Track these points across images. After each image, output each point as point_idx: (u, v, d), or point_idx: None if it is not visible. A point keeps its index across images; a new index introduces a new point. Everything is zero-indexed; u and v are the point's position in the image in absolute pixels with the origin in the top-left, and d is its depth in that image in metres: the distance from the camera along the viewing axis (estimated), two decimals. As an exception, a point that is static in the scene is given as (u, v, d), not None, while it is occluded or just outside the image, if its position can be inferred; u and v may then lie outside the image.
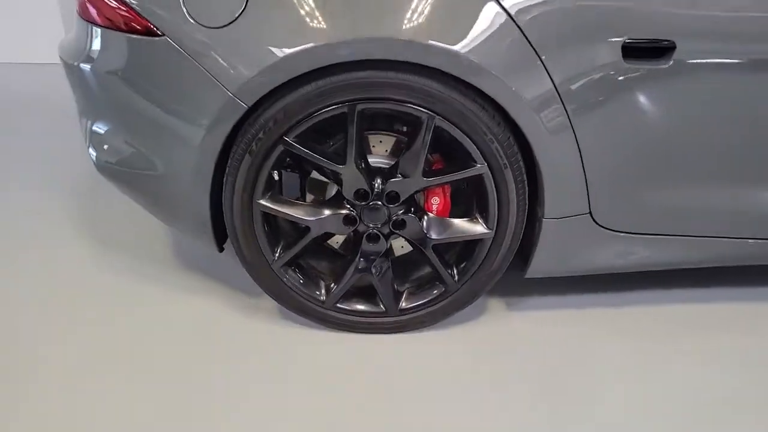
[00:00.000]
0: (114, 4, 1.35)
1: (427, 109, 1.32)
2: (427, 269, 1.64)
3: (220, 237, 1.58)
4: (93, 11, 1.40)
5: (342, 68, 1.28)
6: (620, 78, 1.31)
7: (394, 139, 1.49)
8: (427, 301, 1.58)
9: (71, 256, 1.95)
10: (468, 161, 1.40)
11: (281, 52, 1.25)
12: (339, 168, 1.40)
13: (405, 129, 1.50)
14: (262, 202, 1.44)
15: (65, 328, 1.62)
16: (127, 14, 1.34)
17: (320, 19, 1.25)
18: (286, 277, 1.55)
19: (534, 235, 1.52)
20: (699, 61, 1.31)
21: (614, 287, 1.78)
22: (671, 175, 1.44)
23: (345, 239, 1.63)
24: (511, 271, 1.58)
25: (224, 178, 1.42)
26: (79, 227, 2.12)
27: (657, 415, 1.37)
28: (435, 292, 1.57)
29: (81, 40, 1.48)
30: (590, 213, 1.48)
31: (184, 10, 1.29)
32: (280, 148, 1.37)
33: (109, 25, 1.38)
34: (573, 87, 1.30)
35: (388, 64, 1.28)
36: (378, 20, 1.24)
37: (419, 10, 1.24)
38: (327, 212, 1.47)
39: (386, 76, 1.29)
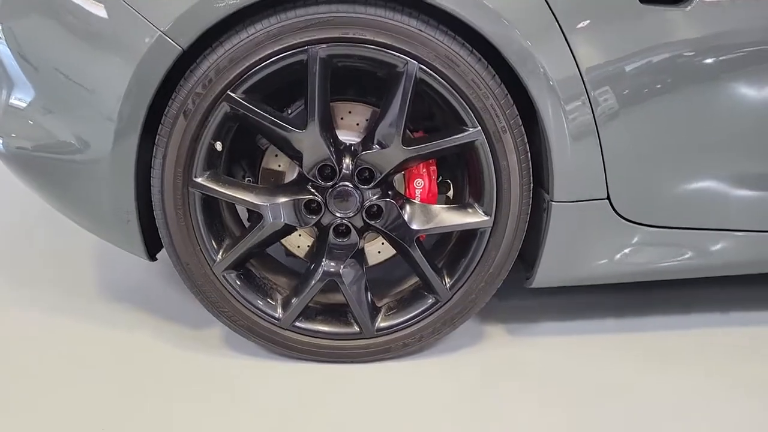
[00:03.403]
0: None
1: (406, 54, 1.07)
2: (410, 282, 1.32)
3: (152, 244, 1.25)
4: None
5: (300, 2, 1.04)
6: (638, 25, 1.09)
7: (366, 109, 1.23)
8: (413, 316, 1.25)
9: None
10: (457, 126, 1.13)
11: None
12: (298, 134, 1.11)
13: (379, 101, 1.24)
14: (201, 181, 1.14)
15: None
16: None
17: None
18: (230, 284, 1.21)
19: (540, 231, 1.22)
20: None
21: (624, 311, 1.47)
22: (708, 153, 1.18)
23: (309, 247, 1.32)
24: (512, 291, 1.27)
25: (153, 152, 1.13)
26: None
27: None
28: (423, 304, 1.25)
29: None
30: (609, 198, 1.20)
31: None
32: (224, 107, 1.09)
33: None
34: (585, 35, 1.07)
35: (357, -3, 1.04)
36: None
37: None
38: (285, 198, 1.17)
39: (354, 11, 1.05)
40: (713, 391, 1.20)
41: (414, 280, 1.31)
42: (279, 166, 1.26)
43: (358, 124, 1.23)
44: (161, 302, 1.50)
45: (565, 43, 1.07)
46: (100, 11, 1.07)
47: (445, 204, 1.28)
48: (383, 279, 1.35)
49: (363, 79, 1.21)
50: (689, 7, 1.09)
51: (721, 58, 1.12)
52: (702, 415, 1.14)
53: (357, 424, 1.10)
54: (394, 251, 1.29)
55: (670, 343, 1.36)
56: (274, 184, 1.23)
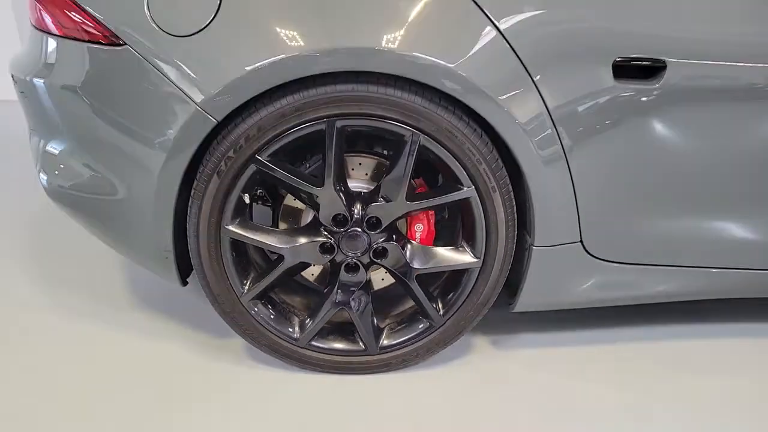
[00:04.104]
0: (72, 11, 1.25)
1: (412, 127, 1.24)
2: (409, 304, 1.52)
3: (184, 270, 1.44)
4: (48, 20, 1.29)
5: (320, 81, 1.19)
6: (611, 99, 1.26)
7: (374, 161, 1.40)
8: (411, 338, 1.45)
9: (14, 295, 1.77)
10: (454, 184, 1.31)
11: (251, 64, 1.15)
12: (316, 190, 1.29)
13: (386, 152, 1.41)
14: (231, 228, 1.31)
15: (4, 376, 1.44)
16: (86, 22, 1.23)
17: (293, 28, 1.16)
18: (255, 311, 1.40)
19: (522, 265, 1.42)
20: (690, 82, 1.27)
21: (604, 323, 1.69)
22: (667, 203, 1.38)
23: (320, 272, 1.51)
24: (498, 307, 1.48)
25: (189, 202, 1.30)
26: (24, 264, 1.93)
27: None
28: (419, 327, 1.45)
29: (35, 52, 1.36)
30: (581, 241, 1.40)
31: (148, 16, 1.20)
32: (252, 167, 1.26)
33: (67, 34, 1.27)
34: (565, 108, 1.24)
35: (370, 77, 1.20)
36: (356, 30, 1.17)
37: (402, 19, 1.17)
38: (303, 240, 1.35)
39: (367, 90, 1.20)
40: (695, 401, 1.42)
41: (411, 303, 1.51)
42: (298, 204, 1.43)
43: (366, 174, 1.40)
44: (186, 312, 1.69)
45: (552, 125, 1.24)
46: (152, 85, 1.21)
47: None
48: (385, 298, 1.55)
49: (370, 136, 1.38)
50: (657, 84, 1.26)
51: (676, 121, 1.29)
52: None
53: (356, 425, 1.33)
54: (393, 280, 1.49)
55: (654, 354, 1.58)
56: (293, 229, 1.40)
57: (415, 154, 1.26)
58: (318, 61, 1.16)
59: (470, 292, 1.41)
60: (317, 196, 1.30)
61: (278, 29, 1.16)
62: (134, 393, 1.40)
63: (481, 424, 1.35)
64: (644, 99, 1.26)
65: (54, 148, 1.38)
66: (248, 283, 1.39)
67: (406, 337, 1.46)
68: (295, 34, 1.16)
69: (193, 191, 1.28)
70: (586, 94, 1.25)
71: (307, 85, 1.20)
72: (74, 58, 1.27)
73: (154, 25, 1.19)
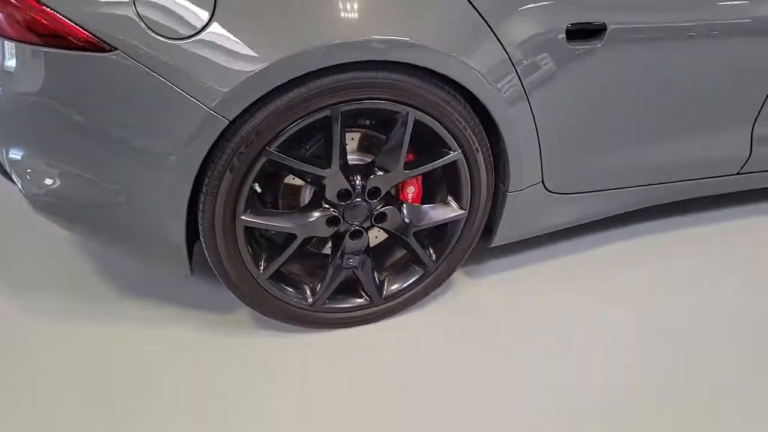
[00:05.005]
0: (35, 12, 1.16)
1: (407, 105, 1.35)
2: (399, 254, 1.70)
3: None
4: (13, 25, 1.19)
5: (323, 72, 1.26)
6: (565, 57, 1.45)
7: (360, 134, 1.50)
8: (409, 284, 1.64)
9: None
10: (441, 150, 1.47)
11: (265, 61, 1.19)
12: (325, 172, 1.38)
13: (368, 123, 1.51)
14: (245, 217, 1.38)
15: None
16: (55, 25, 1.16)
17: (305, 20, 1.21)
18: (271, 288, 1.51)
19: (497, 209, 1.64)
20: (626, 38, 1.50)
21: (552, 240, 1.99)
22: (610, 139, 1.65)
23: (323, 243, 1.62)
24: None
25: (201, 199, 1.33)
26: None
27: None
28: (415, 274, 1.64)
29: (8, 64, 1.25)
30: (543, 182, 1.64)
31: (139, 20, 1.16)
32: (263, 159, 1.31)
33: (28, 39, 1.19)
34: (528, 68, 1.42)
35: (368, 64, 1.28)
36: (361, 20, 1.24)
37: (395, 7, 1.26)
38: (310, 217, 1.45)
39: (368, 76, 1.29)
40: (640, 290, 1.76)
41: (401, 254, 1.69)
42: (297, 182, 1.51)
43: (356, 147, 1.50)
44: (178, 295, 1.73)
45: (524, 96, 1.42)
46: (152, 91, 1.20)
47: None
48: (378, 252, 1.70)
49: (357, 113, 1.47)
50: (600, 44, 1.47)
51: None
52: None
53: (378, 367, 1.52)
54: (386, 236, 1.65)
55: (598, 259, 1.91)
56: (300, 209, 1.49)
57: (410, 129, 1.38)
58: (333, 52, 1.21)
59: (458, 239, 1.61)
60: (324, 178, 1.39)
61: (287, 23, 1.19)
62: (163, 383, 1.47)
63: (480, 348, 1.61)
64: (592, 54, 1.48)
65: (40, 162, 1.32)
66: (262, 264, 1.48)
67: (405, 285, 1.64)
68: (311, 25, 1.20)
69: (205, 188, 1.32)
70: (545, 54, 1.43)
71: (311, 76, 1.25)
72: (51, 66, 1.20)
73: (147, 30, 1.16)
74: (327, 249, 1.62)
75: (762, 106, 1.78)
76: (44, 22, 1.17)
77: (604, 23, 1.46)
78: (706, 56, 1.62)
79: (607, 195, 1.78)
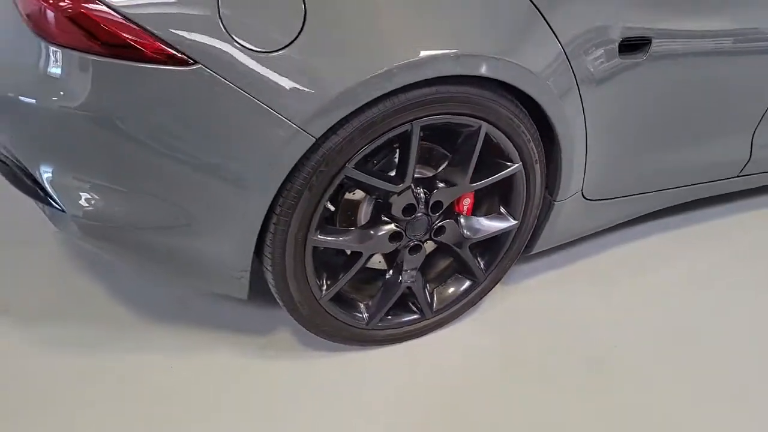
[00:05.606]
0: (118, 26, 1.05)
1: (480, 118, 1.34)
2: (442, 265, 1.68)
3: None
4: (77, 35, 1.06)
5: (410, 86, 1.22)
6: (616, 70, 1.50)
7: (425, 148, 1.47)
8: (459, 296, 1.63)
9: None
10: (502, 162, 1.47)
11: (360, 76, 1.13)
12: (398, 188, 1.34)
13: (422, 134, 1.48)
14: (316, 237, 1.31)
15: None
16: (139, 38, 1.05)
17: (405, 33, 1.17)
18: (331, 309, 1.45)
19: (542, 218, 1.67)
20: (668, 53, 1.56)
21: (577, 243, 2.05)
22: (638, 148, 1.72)
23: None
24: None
25: (274, 219, 1.25)
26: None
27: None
28: (464, 285, 1.64)
29: (52, 72, 1.11)
30: (582, 190, 1.68)
31: (225, 31, 1.07)
32: (341, 177, 1.26)
33: (107, 53, 1.07)
34: (586, 82, 1.45)
35: (448, 78, 1.25)
36: (457, 36, 1.21)
37: (483, 25, 1.25)
38: (379, 233, 1.40)
39: (447, 90, 1.26)
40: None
41: (444, 263, 1.67)
42: (356, 196, 1.45)
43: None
44: (210, 318, 1.63)
45: (579, 96, 1.45)
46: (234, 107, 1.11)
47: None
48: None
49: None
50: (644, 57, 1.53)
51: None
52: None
53: (437, 377, 1.51)
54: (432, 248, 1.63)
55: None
56: (365, 225, 1.43)
57: (480, 143, 1.37)
58: (429, 66, 1.18)
59: (507, 249, 1.62)
60: (396, 195, 1.35)
61: (382, 35, 1.15)
62: (221, 412, 1.38)
63: (520, 352, 1.62)
64: (636, 67, 1.53)
65: (96, 184, 1.19)
66: (323, 284, 1.42)
67: (454, 298, 1.63)
68: (406, 40, 1.16)
69: (279, 208, 1.24)
70: (602, 67, 1.47)
71: (396, 91, 1.21)
72: (124, 81, 1.09)
73: (234, 40, 1.07)
74: (375, 264, 1.57)
75: (762, 117, 1.93)
76: (114, 30, 1.05)
77: (650, 38, 1.51)
78: (724, 73, 1.73)
79: (631, 200, 1.85)
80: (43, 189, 1.23)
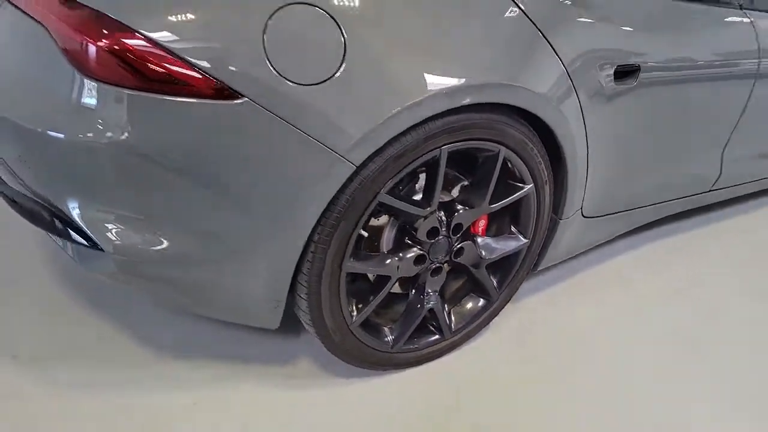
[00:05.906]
0: (163, 60, 1.06)
1: (498, 143, 1.42)
2: (455, 285, 1.73)
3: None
4: (121, 70, 1.06)
5: (440, 114, 1.28)
6: (612, 95, 1.62)
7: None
8: (473, 317, 1.68)
9: (12, 389, 1.43)
10: (514, 183, 1.54)
11: (402, 102, 1.18)
12: (425, 212, 1.39)
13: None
14: (350, 264, 1.34)
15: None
16: (186, 73, 1.07)
17: (439, 63, 1.23)
18: (360, 335, 1.47)
19: (549, 236, 1.75)
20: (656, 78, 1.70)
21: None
22: (632, 168, 1.84)
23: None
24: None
25: (312, 248, 1.27)
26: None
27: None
28: (479, 305, 1.69)
29: (92, 106, 1.10)
30: (581, 209, 1.78)
31: (270, 66, 1.10)
32: (375, 204, 1.29)
33: (151, 88, 1.08)
34: (589, 108, 1.56)
35: (471, 105, 1.32)
36: (494, 67, 1.30)
37: (508, 54, 1.33)
38: (404, 257, 1.44)
39: (472, 117, 1.33)
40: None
41: (456, 285, 1.72)
42: (380, 222, 1.48)
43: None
44: (228, 350, 1.61)
45: (583, 120, 1.55)
46: (280, 138, 1.13)
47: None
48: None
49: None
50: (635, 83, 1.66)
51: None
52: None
53: (461, 393, 1.55)
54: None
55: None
56: (390, 250, 1.46)
57: (499, 166, 1.44)
58: (465, 94, 1.25)
59: (519, 266, 1.69)
60: (423, 218, 1.40)
61: (421, 66, 1.21)
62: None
63: (538, 365, 1.69)
64: (628, 92, 1.66)
65: (130, 216, 1.17)
66: (354, 310, 1.44)
67: (470, 318, 1.68)
68: (438, 70, 1.22)
69: (317, 236, 1.26)
70: (599, 91, 1.58)
71: (428, 119, 1.27)
72: (167, 115, 1.09)
73: (278, 75, 1.10)
74: (395, 288, 1.60)
75: (730, 135, 2.10)
76: (160, 65, 1.06)
77: (639, 65, 1.64)
78: (700, 96, 1.89)
79: (624, 216, 1.98)
80: (76, 228, 1.21)
